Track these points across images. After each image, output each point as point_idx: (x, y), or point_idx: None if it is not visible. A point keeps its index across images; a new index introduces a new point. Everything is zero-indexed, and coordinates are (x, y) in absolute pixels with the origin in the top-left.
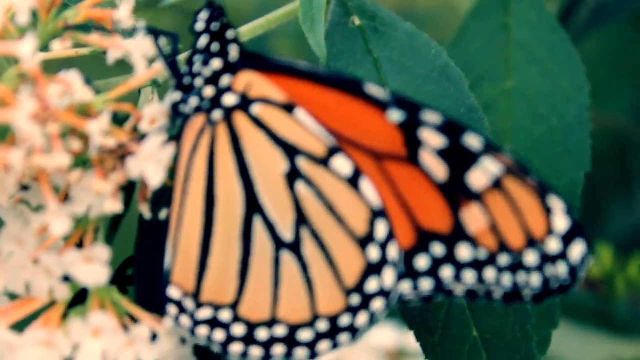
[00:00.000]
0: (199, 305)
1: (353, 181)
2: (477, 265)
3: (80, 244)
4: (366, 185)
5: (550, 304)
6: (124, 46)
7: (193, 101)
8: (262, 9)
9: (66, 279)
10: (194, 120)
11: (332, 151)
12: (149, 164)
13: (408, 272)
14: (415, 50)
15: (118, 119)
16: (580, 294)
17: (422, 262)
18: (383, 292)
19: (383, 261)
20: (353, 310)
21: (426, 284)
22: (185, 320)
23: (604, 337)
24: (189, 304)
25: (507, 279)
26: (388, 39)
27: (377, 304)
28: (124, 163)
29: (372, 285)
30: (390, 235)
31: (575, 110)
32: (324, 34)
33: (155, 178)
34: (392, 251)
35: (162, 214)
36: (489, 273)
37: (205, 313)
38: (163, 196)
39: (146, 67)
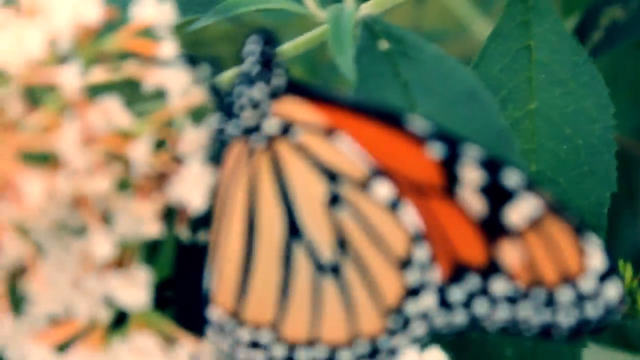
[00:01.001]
0: (239, 326)
1: (393, 206)
2: (511, 301)
3: (120, 267)
4: (407, 210)
5: None
6: (159, 78)
7: (235, 126)
8: (280, 31)
9: (107, 301)
10: (235, 145)
11: (373, 176)
12: (189, 188)
13: (443, 305)
14: (443, 73)
15: (157, 145)
16: None
17: (456, 294)
18: (422, 317)
19: (423, 285)
20: (393, 334)
21: (460, 318)
22: (225, 341)
23: (623, 356)
24: (229, 325)
25: (540, 316)
26: (416, 62)
27: (417, 327)
28: (164, 187)
29: (412, 308)
30: (430, 260)
31: (599, 131)
32: (353, 58)
33: (195, 202)
34: (432, 276)
35: (201, 237)
36: (522, 310)
37: (245, 334)
38: (202, 219)
39: (181, 97)
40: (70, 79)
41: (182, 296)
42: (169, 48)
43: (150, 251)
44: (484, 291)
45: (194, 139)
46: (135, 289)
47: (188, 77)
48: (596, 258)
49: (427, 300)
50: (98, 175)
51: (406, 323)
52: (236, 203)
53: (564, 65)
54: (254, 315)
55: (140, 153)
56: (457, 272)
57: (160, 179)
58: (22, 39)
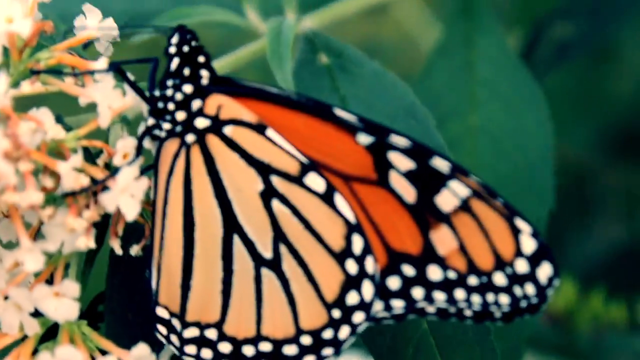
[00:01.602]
0: (185, 325)
1: (327, 198)
2: (448, 285)
3: (51, 280)
4: (340, 201)
5: (516, 339)
6: (91, 96)
7: (166, 126)
8: (226, 42)
9: (38, 314)
10: (169, 144)
11: (305, 169)
12: (124, 198)
13: (381, 292)
14: (382, 89)
15: (90, 155)
16: (544, 327)
17: (394, 282)
18: (363, 306)
19: (361, 275)
20: (335, 325)
21: (398, 304)
22: (174, 339)
23: None
24: (176, 324)
25: (477, 299)
26: (355, 77)
27: (358, 317)
28: (98, 199)
29: (352, 299)
30: (367, 250)
31: (539, 148)
32: (292, 71)
33: (131, 212)
34: (370, 265)
35: (134, 250)
36: (459, 293)
37: (192, 332)
38: (134, 232)
39: (111, 109)
40: (0, 90)
41: (113, 309)
42: (102, 64)
43: (87, 265)
44: (420, 278)
45: (126, 149)
46: (65, 302)
47: (118, 96)
48: (527, 241)
49: (367, 290)
50: (30, 189)
51: (348, 314)
52: (174, 202)
53: (506, 81)
54: (199, 313)
55: (71, 168)
56: (394, 261)
57: (94, 192)
58: None
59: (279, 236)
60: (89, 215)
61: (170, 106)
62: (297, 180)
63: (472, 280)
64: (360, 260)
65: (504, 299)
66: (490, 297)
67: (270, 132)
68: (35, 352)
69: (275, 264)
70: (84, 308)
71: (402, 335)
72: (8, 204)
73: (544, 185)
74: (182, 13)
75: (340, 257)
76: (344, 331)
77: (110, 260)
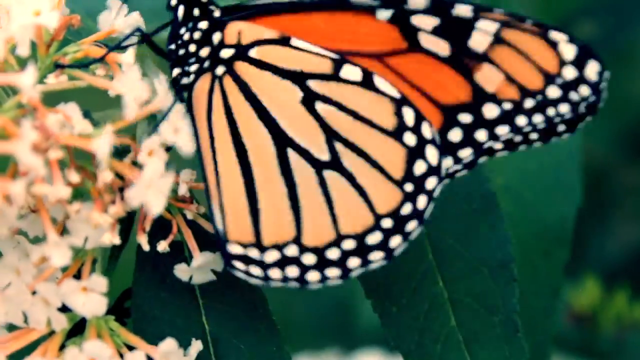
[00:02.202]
0: (263, 250)
1: (367, 83)
2: (507, 117)
3: (78, 275)
4: (380, 82)
5: (543, 337)
6: (117, 88)
7: (193, 67)
8: None
9: (66, 309)
10: (200, 84)
11: (338, 63)
12: (150, 193)
13: (447, 148)
14: None
15: (117, 152)
16: (568, 327)
17: (455, 135)
18: (432, 171)
19: (421, 143)
20: (411, 198)
21: (466, 153)
22: (255, 270)
23: None
24: (253, 253)
25: (539, 119)
26: None
27: (431, 183)
28: (123, 195)
29: (419, 168)
30: (420, 117)
31: (566, 146)
32: None
33: (156, 207)
34: (426, 130)
35: (161, 246)
36: (521, 120)
37: (272, 256)
38: (161, 228)
39: (140, 105)
40: (29, 82)
41: (140, 305)
42: (129, 56)
43: (112, 260)
44: (479, 121)
45: (152, 146)
46: (92, 297)
47: (145, 88)
48: (567, 48)
49: (431, 154)
50: (58, 183)
51: (420, 183)
52: (221, 136)
53: None
54: (275, 235)
55: (103, 149)
56: (450, 116)
57: (120, 188)
58: None
59: (332, 135)
60: (115, 211)
61: (192, 47)
62: (333, 77)
63: (529, 103)
64: (416, 129)
65: (564, 108)
66: (550, 111)
67: (294, 41)
68: (62, 347)
69: (335, 163)
70: (111, 304)
71: (429, 332)
72: (36, 197)
73: (571, 183)
74: None
75: (397, 133)
76: (422, 201)
77: (137, 256)
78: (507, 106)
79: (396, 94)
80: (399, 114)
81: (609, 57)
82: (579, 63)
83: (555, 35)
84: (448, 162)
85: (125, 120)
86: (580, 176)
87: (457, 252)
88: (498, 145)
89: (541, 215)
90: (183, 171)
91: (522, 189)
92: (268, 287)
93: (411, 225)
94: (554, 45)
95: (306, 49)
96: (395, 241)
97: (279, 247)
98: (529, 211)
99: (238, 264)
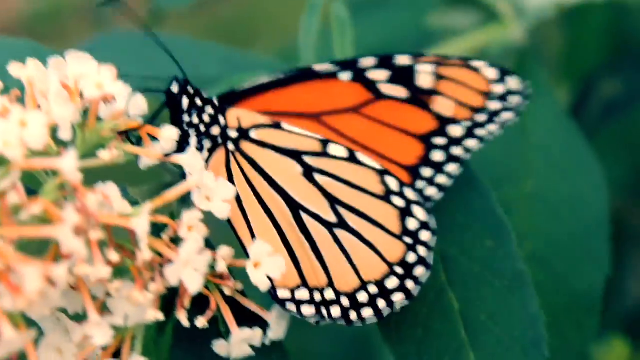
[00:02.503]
0: (311, 291)
1: (352, 159)
2: (470, 132)
3: (117, 353)
4: (363, 157)
5: None
6: (180, 161)
7: (207, 144)
8: None
9: None
10: (216, 156)
11: (324, 143)
12: (187, 271)
13: (435, 168)
14: None
15: (156, 229)
16: None
17: (438, 156)
18: (424, 225)
19: (409, 204)
20: (412, 248)
21: (453, 168)
22: (307, 309)
23: None
24: (303, 294)
25: (493, 127)
26: None
27: (425, 235)
28: (163, 272)
29: (412, 224)
30: (402, 184)
31: (594, 214)
32: None
33: (194, 285)
34: (409, 194)
35: (200, 322)
36: (480, 132)
37: (318, 297)
38: (199, 304)
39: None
40: (71, 166)
41: None
42: (171, 131)
43: (158, 334)
44: (450, 141)
45: (191, 221)
46: None
47: (200, 160)
48: (489, 72)
49: (419, 213)
50: (98, 263)
51: (415, 236)
52: (248, 200)
53: (560, 146)
54: (314, 280)
55: (143, 227)
56: (427, 145)
57: (158, 264)
58: (25, 125)
59: (333, 201)
60: (155, 288)
61: (202, 128)
62: (323, 154)
63: (481, 118)
64: (400, 194)
65: (507, 115)
66: (498, 119)
67: (285, 126)
68: None
69: (342, 224)
70: None
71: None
72: (76, 276)
73: (599, 251)
74: (238, 79)
75: (386, 197)
76: (422, 250)
77: (174, 331)
78: (467, 124)
79: (378, 166)
80: (384, 182)
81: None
82: (503, 80)
83: (475, 63)
84: (442, 179)
85: (164, 198)
86: (609, 245)
87: (488, 329)
88: (468, 156)
89: (571, 285)
90: (221, 247)
91: (551, 257)
92: (321, 323)
93: (419, 271)
94: (478, 71)
95: (296, 132)
96: (410, 285)
97: (320, 291)
98: (559, 281)
99: (290, 306)
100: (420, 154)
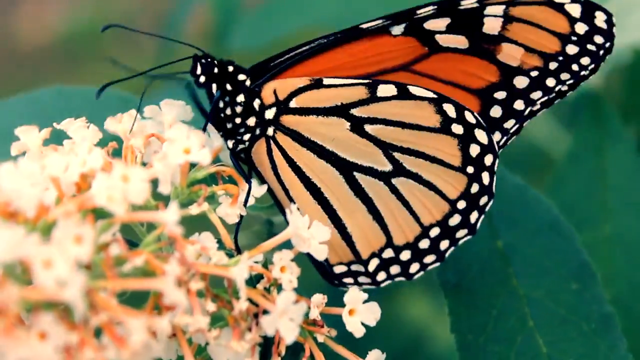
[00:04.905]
0: (365, 263)
1: (403, 94)
2: (538, 82)
3: None
4: (414, 89)
5: None
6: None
7: (246, 136)
8: None
9: None
10: (257, 147)
11: (371, 85)
12: (283, 321)
13: (492, 125)
14: (525, 204)
15: (250, 279)
16: None
17: (496, 112)
18: (486, 149)
19: (469, 129)
20: (476, 178)
21: (510, 123)
22: (363, 279)
23: None
24: (358, 267)
25: (565, 76)
26: (498, 192)
27: (488, 159)
28: (259, 321)
29: (474, 150)
30: (460, 108)
31: None
32: None
33: (290, 335)
34: (469, 117)
35: None
36: (550, 82)
37: (374, 263)
38: (292, 349)
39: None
40: (174, 219)
41: None
42: (259, 191)
43: None
44: (513, 94)
45: (284, 262)
46: None
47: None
48: (573, 8)
49: (481, 136)
50: (197, 313)
51: (479, 164)
52: (292, 184)
53: (637, 188)
54: (369, 248)
55: (241, 277)
56: (486, 97)
57: (254, 313)
58: (127, 181)
59: (388, 148)
60: (251, 337)
61: (237, 120)
62: (371, 99)
63: (553, 66)
64: (459, 119)
65: (585, 60)
66: (574, 67)
67: (326, 80)
68: None
69: (399, 170)
70: None
71: None
72: (175, 326)
73: None
74: None
75: (444, 128)
76: (485, 177)
77: None
78: (534, 74)
79: (432, 95)
80: (440, 111)
81: None
82: (587, 17)
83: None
84: (497, 137)
85: (261, 248)
86: None
87: None
88: (536, 107)
89: None
90: (315, 296)
91: (631, 302)
92: (379, 288)
93: (484, 200)
94: (559, 8)
95: (338, 83)
96: (474, 216)
97: (377, 255)
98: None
99: (347, 280)
100: (477, 110)
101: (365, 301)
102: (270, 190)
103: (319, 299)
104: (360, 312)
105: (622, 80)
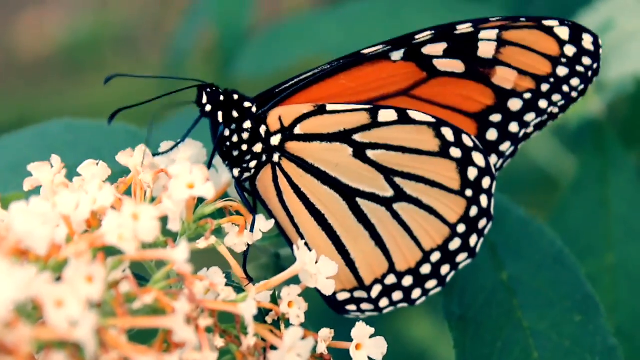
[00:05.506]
0: (368, 289)
1: (404, 119)
2: (531, 105)
3: None
4: (414, 114)
5: None
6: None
7: (252, 163)
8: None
9: None
10: (263, 174)
11: (373, 112)
12: (291, 357)
13: (488, 148)
14: (529, 236)
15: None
16: None
17: (492, 135)
18: (484, 172)
19: (467, 152)
20: (475, 201)
21: (506, 146)
22: (366, 306)
23: None
24: (360, 294)
25: (557, 97)
26: (502, 224)
27: (486, 181)
28: (267, 357)
29: (472, 173)
30: (458, 131)
31: None
32: None
33: None
34: (467, 140)
35: None
36: (542, 104)
37: (377, 289)
38: None
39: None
40: (183, 257)
41: None
42: (267, 225)
43: None
44: (509, 116)
45: (291, 297)
46: None
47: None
48: (561, 31)
49: (478, 159)
50: (206, 349)
51: (477, 189)
52: (297, 211)
53: (638, 215)
54: (371, 274)
55: (249, 313)
56: (482, 120)
57: (262, 347)
58: (137, 219)
59: (389, 173)
60: None
61: (244, 147)
62: (372, 125)
63: (545, 87)
64: (457, 142)
65: (575, 81)
66: (565, 88)
67: (329, 106)
68: None
69: (400, 195)
70: None
71: None
72: None
73: None
74: None
75: (443, 152)
76: (484, 200)
77: None
78: (527, 96)
79: (431, 119)
80: (439, 135)
81: None
82: (575, 39)
83: (548, 22)
84: (493, 159)
85: (268, 284)
86: None
87: None
88: (530, 130)
89: None
90: (322, 330)
91: (634, 331)
92: (381, 315)
93: (482, 223)
94: (549, 31)
95: (341, 109)
96: (474, 240)
97: (379, 281)
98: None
99: (350, 307)
100: (474, 133)
101: (372, 335)
102: (276, 221)
103: (326, 333)
104: (367, 346)
105: (625, 109)
